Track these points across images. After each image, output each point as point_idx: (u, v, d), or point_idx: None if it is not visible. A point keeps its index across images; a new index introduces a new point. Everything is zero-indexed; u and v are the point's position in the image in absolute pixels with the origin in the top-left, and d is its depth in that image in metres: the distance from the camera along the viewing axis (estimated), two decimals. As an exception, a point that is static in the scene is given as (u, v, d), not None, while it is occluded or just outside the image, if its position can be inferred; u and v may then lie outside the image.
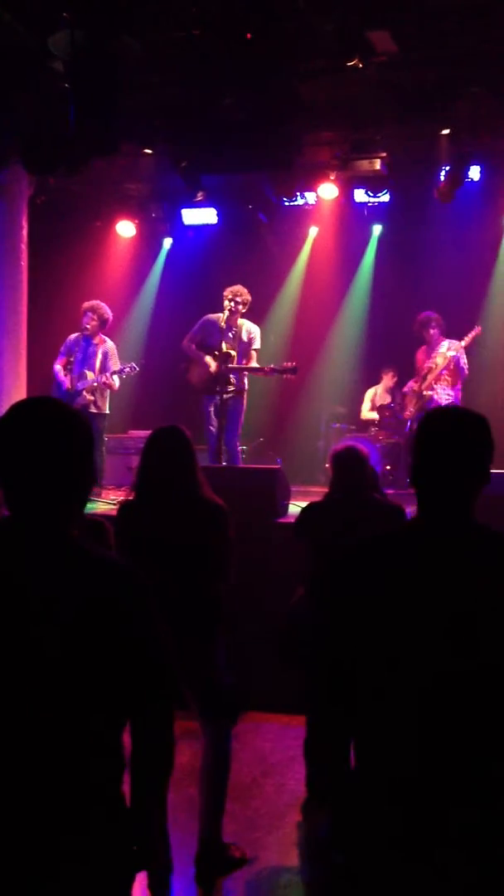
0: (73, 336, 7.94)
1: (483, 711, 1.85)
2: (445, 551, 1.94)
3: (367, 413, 9.56)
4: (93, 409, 7.74)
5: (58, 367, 7.85)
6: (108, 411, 7.99)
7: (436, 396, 7.91)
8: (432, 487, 1.99)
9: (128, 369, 7.89)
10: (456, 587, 1.90)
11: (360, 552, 2.06)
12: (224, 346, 7.34)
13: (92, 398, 7.78)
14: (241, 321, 7.57)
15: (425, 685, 1.87)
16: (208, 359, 7.45)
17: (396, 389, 9.13)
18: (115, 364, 7.87)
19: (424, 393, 7.90)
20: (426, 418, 2.07)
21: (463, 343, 7.91)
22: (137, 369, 8.00)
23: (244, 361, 7.51)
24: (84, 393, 7.74)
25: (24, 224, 8.41)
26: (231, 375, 7.41)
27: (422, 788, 1.86)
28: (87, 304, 7.92)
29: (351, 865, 2.01)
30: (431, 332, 8.04)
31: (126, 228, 10.04)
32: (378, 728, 1.94)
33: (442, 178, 8.14)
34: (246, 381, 7.64)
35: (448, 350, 7.93)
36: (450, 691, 1.86)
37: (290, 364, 7.38)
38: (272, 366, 7.39)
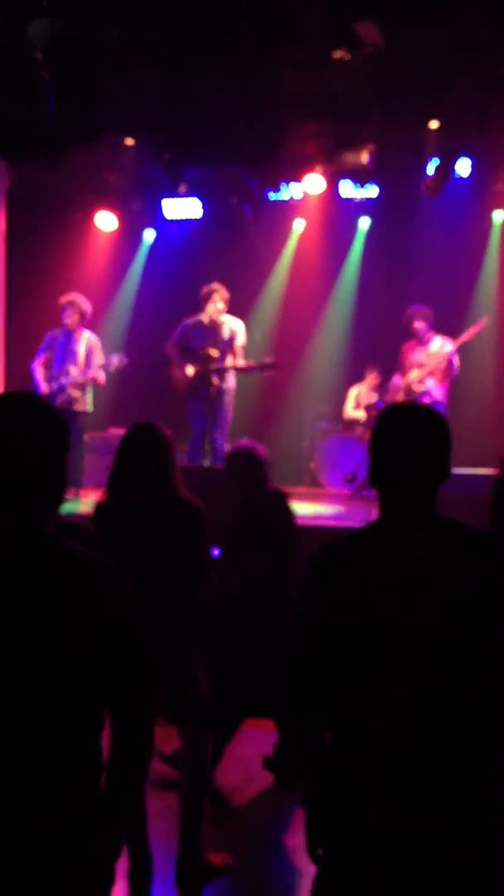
0: (52, 331, 7.76)
1: (454, 703, 1.87)
2: (408, 546, 1.96)
3: (351, 412, 9.46)
4: (76, 407, 7.52)
5: (36, 367, 7.62)
6: (90, 409, 7.79)
7: (431, 391, 7.69)
8: (391, 486, 2.01)
9: (115, 361, 7.65)
10: (419, 579, 1.91)
11: (328, 551, 2.08)
12: (207, 347, 7.22)
13: (78, 394, 7.57)
14: (222, 318, 7.41)
15: (396, 675, 1.88)
16: (188, 369, 7.31)
17: (381, 388, 9.01)
18: (98, 358, 7.64)
19: (414, 388, 7.73)
20: (381, 417, 2.07)
21: (464, 337, 7.69)
22: (126, 360, 7.76)
23: (230, 359, 7.37)
24: (68, 389, 7.51)
25: (2, 216, 8.29)
26: (213, 376, 7.27)
27: (396, 774, 1.88)
28: (65, 299, 7.72)
29: (330, 859, 2.02)
30: (419, 324, 7.76)
31: (106, 221, 9.87)
32: (352, 716, 1.96)
33: (430, 171, 8.05)
34: (233, 379, 7.49)
35: (442, 348, 7.74)
36: (419, 682, 1.87)
37: (269, 360, 7.21)
38: (251, 362, 7.24)
